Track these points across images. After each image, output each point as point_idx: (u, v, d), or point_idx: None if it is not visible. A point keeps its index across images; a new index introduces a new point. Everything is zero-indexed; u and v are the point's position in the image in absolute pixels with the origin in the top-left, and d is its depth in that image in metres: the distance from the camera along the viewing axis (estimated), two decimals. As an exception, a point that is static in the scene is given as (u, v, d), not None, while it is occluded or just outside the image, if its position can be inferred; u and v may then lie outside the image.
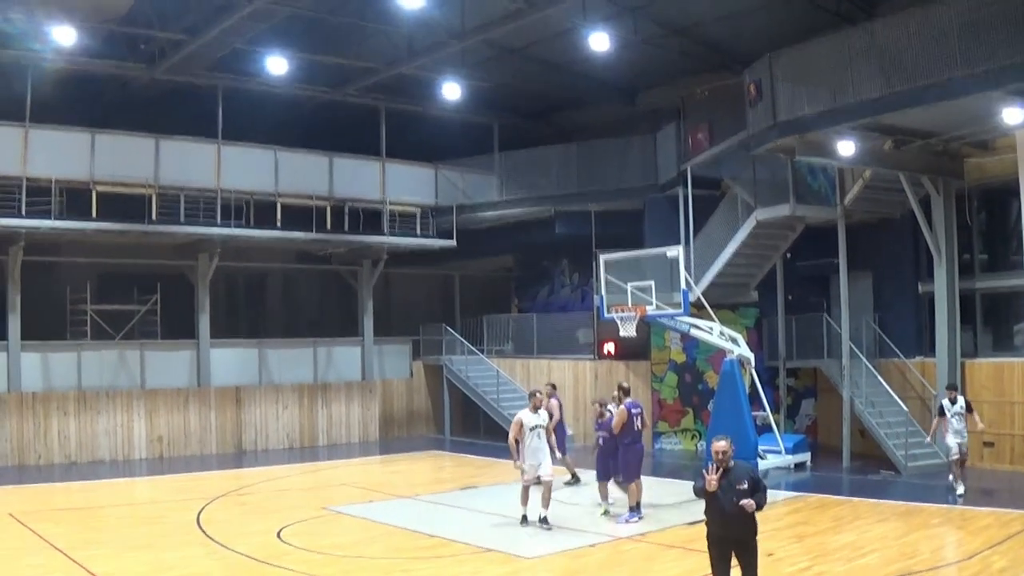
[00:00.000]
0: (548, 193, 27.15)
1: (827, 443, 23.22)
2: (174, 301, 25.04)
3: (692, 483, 9.46)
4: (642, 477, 15.54)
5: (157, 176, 23.09)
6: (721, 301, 22.95)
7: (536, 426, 14.77)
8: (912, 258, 22.23)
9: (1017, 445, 19.50)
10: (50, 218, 21.48)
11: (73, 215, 21.93)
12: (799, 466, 20.66)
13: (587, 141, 27.58)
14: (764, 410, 20.89)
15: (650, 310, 20.31)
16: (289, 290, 31.12)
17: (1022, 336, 20.57)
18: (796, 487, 18.48)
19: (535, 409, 14.99)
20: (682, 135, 23.96)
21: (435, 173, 28.21)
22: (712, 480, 9.05)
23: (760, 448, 19.90)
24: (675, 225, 23.29)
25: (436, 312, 31.69)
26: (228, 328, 27.08)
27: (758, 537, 9.29)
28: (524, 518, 14.74)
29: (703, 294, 21.85)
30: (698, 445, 23.77)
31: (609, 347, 25.60)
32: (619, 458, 15.42)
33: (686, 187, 23.00)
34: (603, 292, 21.29)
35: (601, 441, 15.74)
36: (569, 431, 23.78)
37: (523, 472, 14.73)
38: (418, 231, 27.51)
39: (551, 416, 15.63)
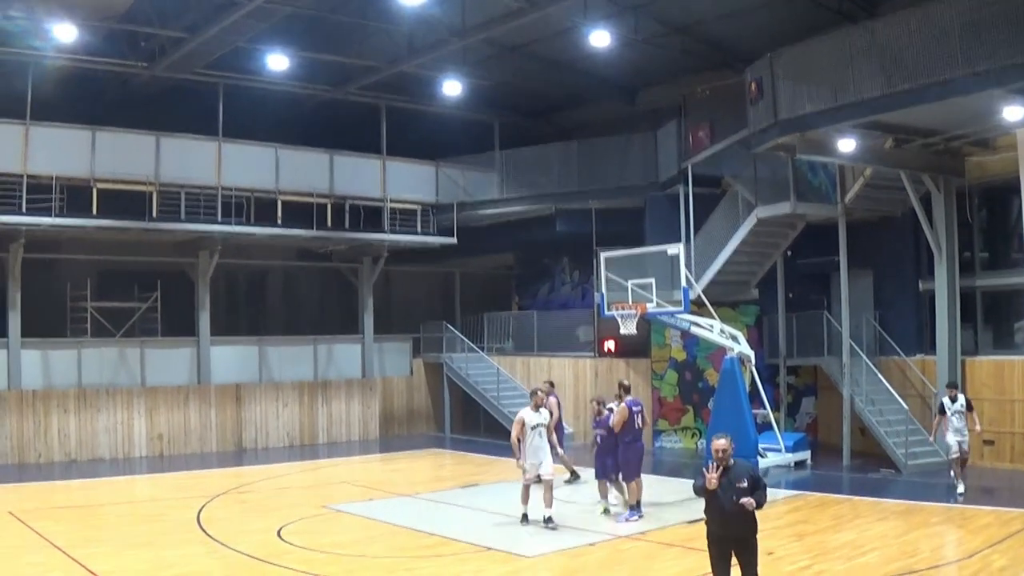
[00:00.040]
0: (549, 191, 27.15)
1: (827, 441, 23.22)
2: (174, 298, 25.05)
3: (692, 481, 9.45)
4: (642, 475, 15.53)
5: (158, 173, 23.08)
6: (722, 299, 22.96)
7: (537, 425, 14.75)
8: (913, 256, 22.22)
9: (1017, 443, 19.49)
10: (51, 215, 21.47)
11: (74, 212, 21.92)
12: (799, 464, 20.67)
13: (588, 139, 27.60)
14: (764, 408, 20.89)
15: (651, 308, 20.31)
16: (289, 288, 31.12)
17: (1022, 334, 20.56)
18: (796, 485, 18.49)
19: (536, 408, 14.97)
20: (683, 133, 23.93)
21: (436, 171, 28.20)
22: (712, 478, 9.05)
23: (760, 446, 19.89)
24: (676, 223, 23.27)
25: (436, 310, 31.71)
26: (228, 326, 27.10)
27: (758, 535, 9.29)
28: (524, 517, 14.74)
29: (704, 292, 21.84)
30: (698, 443, 23.77)
31: (609, 345, 25.60)
32: (619, 456, 15.40)
33: (687, 185, 22.98)
34: (604, 290, 21.29)
35: (599, 439, 15.72)
36: (569, 429, 23.84)
37: (524, 471, 14.72)
38: (419, 228, 27.51)
39: (551, 414, 15.62)
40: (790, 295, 23.92)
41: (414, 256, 29.24)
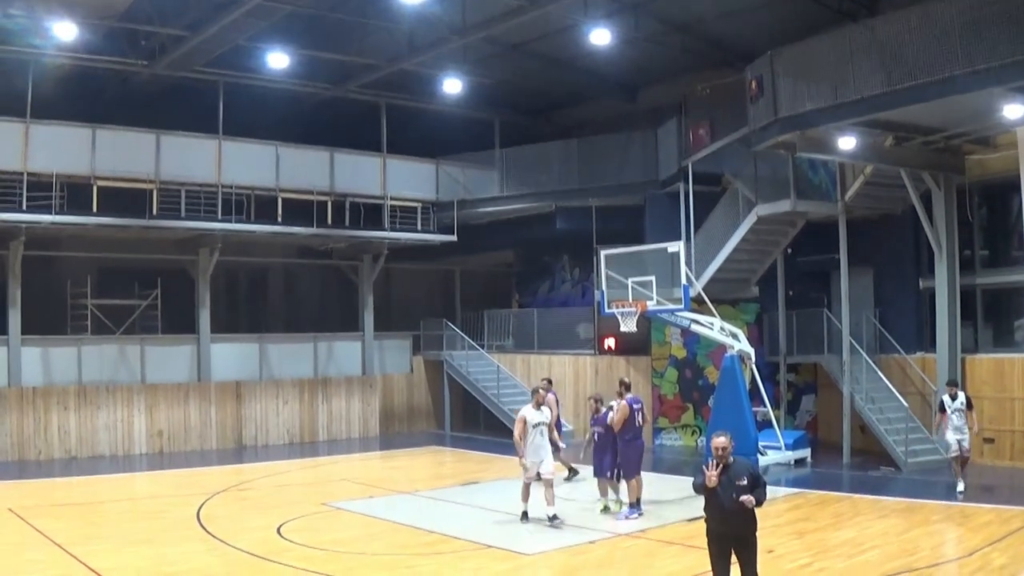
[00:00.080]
0: (549, 189, 27.16)
1: (827, 439, 23.22)
2: (175, 296, 25.08)
3: (692, 479, 9.45)
4: (642, 473, 15.53)
5: (158, 171, 23.09)
6: (722, 296, 22.95)
7: (539, 423, 14.76)
8: (913, 254, 22.23)
9: (1017, 441, 19.49)
10: (51, 213, 21.49)
11: (74, 210, 21.94)
12: (799, 462, 20.68)
13: (588, 137, 27.63)
14: (764, 406, 20.89)
15: (651, 305, 20.30)
16: (290, 285, 31.16)
17: (1023, 332, 20.56)
18: (796, 483, 18.51)
19: (538, 406, 14.97)
20: (683, 131, 23.93)
21: (436, 168, 28.21)
22: (712, 476, 9.05)
23: (760, 444, 19.89)
24: (676, 221, 23.27)
25: (437, 307, 31.73)
26: (228, 323, 27.14)
27: (758, 533, 9.29)
28: (525, 514, 14.75)
29: (704, 289, 21.84)
30: (698, 441, 23.76)
31: (609, 342, 25.59)
32: (620, 454, 15.40)
33: (687, 183, 22.98)
34: (604, 287, 21.27)
35: (596, 437, 15.71)
36: (569, 426, 23.85)
37: (525, 469, 14.72)
38: (419, 226, 27.52)
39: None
40: (790, 293, 23.91)
41: (414, 254, 29.26)
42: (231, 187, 24.00)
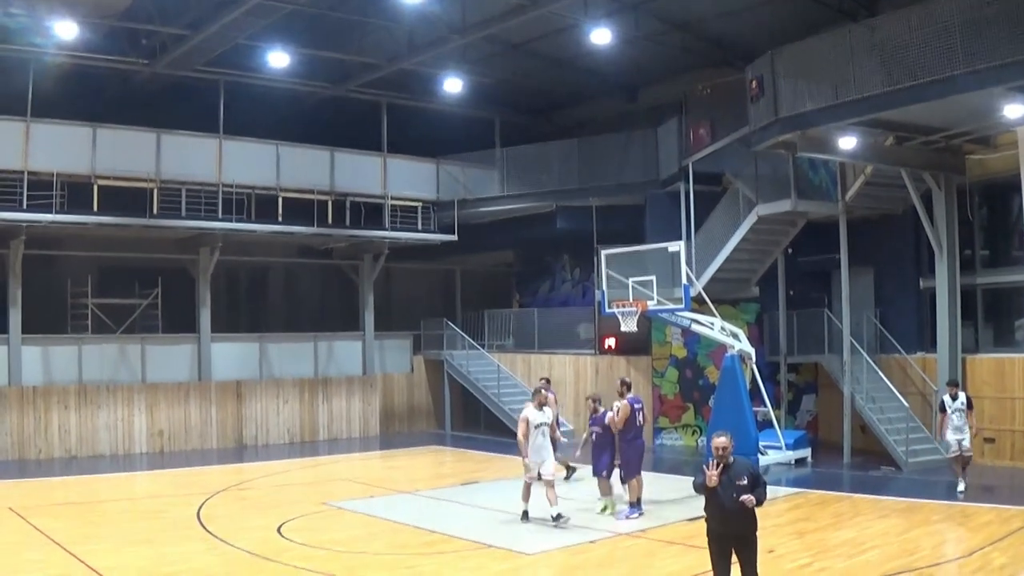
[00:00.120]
0: (549, 188, 27.16)
1: (828, 439, 23.21)
2: (175, 295, 25.08)
3: (692, 479, 9.45)
4: (642, 473, 15.52)
5: (158, 170, 23.11)
6: (722, 296, 22.95)
7: (541, 424, 14.75)
8: (913, 254, 22.23)
9: (1018, 441, 19.48)
10: (51, 212, 21.49)
11: (74, 209, 21.95)
12: (799, 462, 20.67)
13: (588, 136, 27.64)
14: (765, 406, 20.88)
15: (651, 305, 20.28)
16: (290, 284, 31.16)
17: (1023, 332, 20.56)
18: (796, 483, 18.50)
19: (540, 406, 14.96)
20: (683, 131, 23.94)
21: (436, 168, 28.20)
22: (712, 476, 9.05)
23: (761, 444, 19.89)
24: (676, 220, 23.27)
25: (437, 307, 31.72)
26: (229, 322, 27.14)
27: (758, 533, 9.29)
28: (525, 514, 14.74)
29: (704, 289, 21.82)
30: (698, 441, 23.76)
31: (610, 342, 25.58)
32: (621, 454, 15.38)
33: (687, 183, 23.00)
34: (604, 287, 21.26)
35: (594, 436, 15.69)
36: (568, 425, 23.84)
37: (527, 468, 14.71)
38: (419, 226, 27.52)
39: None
40: (791, 293, 23.91)
41: (415, 253, 29.26)
42: (231, 186, 24.00)
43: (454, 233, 27.46)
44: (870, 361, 21.33)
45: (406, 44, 23.70)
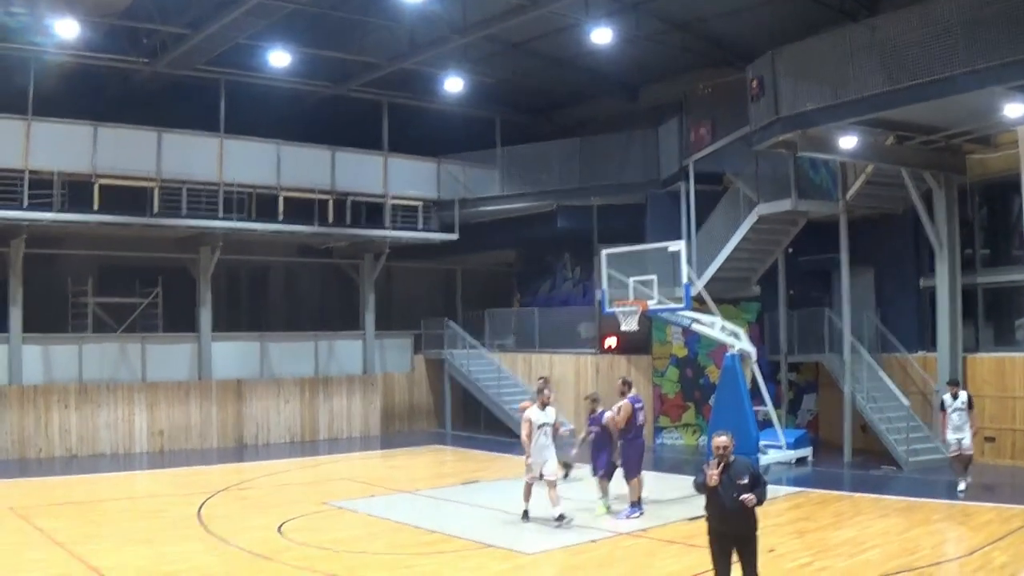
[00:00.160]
0: (550, 187, 27.15)
1: (828, 438, 23.19)
2: (176, 294, 25.10)
3: (693, 478, 9.46)
4: (643, 472, 15.53)
5: (159, 169, 23.10)
6: (723, 296, 22.95)
7: (544, 424, 14.74)
8: (914, 253, 22.22)
9: (1018, 440, 19.48)
10: (52, 211, 21.50)
11: (75, 208, 21.95)
12: (800, 461, 20.67)
13: (589, 136, 27.63)
14: (765, 405, 20.88)
15: (652, 304, 20.30)
16: (291, 284, 31.16)
17: (1023, 331, 20.56)
18: (797, 482, 18.50)
19: (543, 406, 14.96)
20: (684, 130, 23.95)
21: (437, 167, 28.20)
22: (713, 475, 9.05)
23: (761, 443, 19.89)
24: (677, 220, 23.27)
25: (437, 306, 31.71)
26: (229, 321, 27.13)
27: (759, 532, 9.30)
28: (525, 514, 14.73)
29: (705, 289, 21.84)
30: (699, 440, 23.76)
31: (611, 341, 25.58)
32: (621, 453, 15.39)
33: (688, 182, 23.00)
34: (605, 286, 21.27)
35: (592, 436, 15.68)
36: (570, 425, 23.80)
37: (529, 469, 14.70)
38: (420, 225, 27.52)
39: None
40: (791, 292, 23.90)
41: (415, 252, 29.26)
42: (232, 185, 24.00)
43: (455, 232, 27.46)
44: (871, 360, 21.33)
45: (407, 43, 23.71)
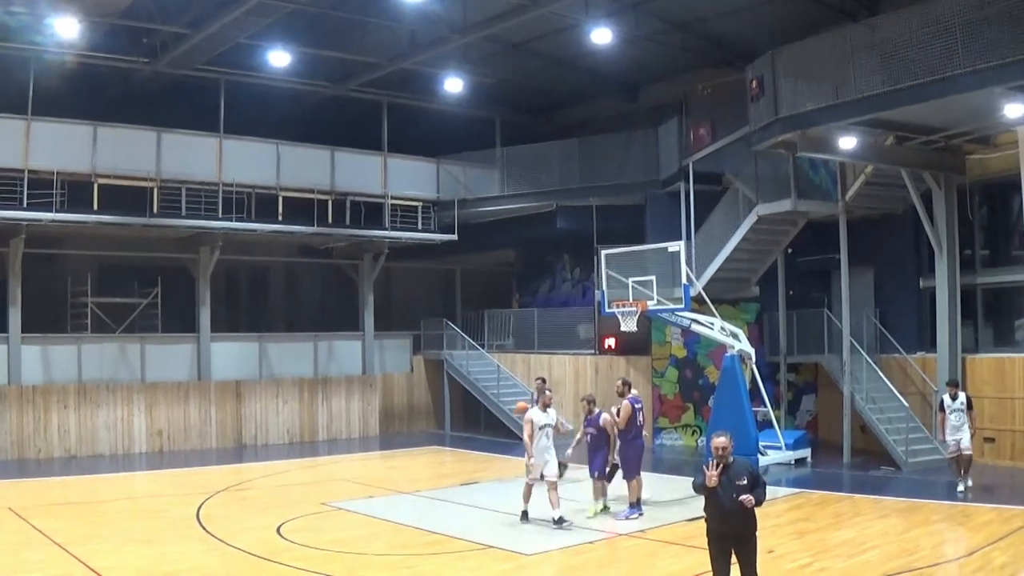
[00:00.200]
0: (550, 188, 27.15)
1: (827, 439, 23.20)
2: (175, 294, 25.08)
3: (692, 479, 9.45)
4: (642, 473, 15.51)
5: (159, 169, 23.11)
6: (722, 296, 22.94)
7: (545, 425, 14.73)
8: (913, 253, 22.22)
9: (1018, 441, 19.47)
10: (51, 211, 21.47)
11: (75, 208, 21.95)
12: (799, 462, 20.66)
13: (589, 136, 27.64)
14: (765, 406, 20.87)
15: (651, 305, 20.28)
16: (290, 284, 31.16)
17: (1023, 331, 20.55)
18: (796, 483, 18.49)
19: (544, 407, 14.94)
20: (684, 130, 23.96)
21: (437, 167, 28.20)
22: (712, 476, 9.04)
23: (760, 444, 19.88)
24: (676, 220, 23.27)
25: (437, 306, 31.72)
26: (229, 322, 27.14)
27: (758, 533, 9.29)
28: (524, 514, 14.71)
29: (704, 289, 21.82)
30: (698, 441, 23.76)
31: (610, 342, 25.59)
32: (621, 454, 15.37)
33: (687, 182, 23.00)
34: (604, 287, 21.26)
35: (588, 438, 15.65)
36: (570, 426, 23.78)
37: (530, 470, 14.68)
38: (419, 225, 27.51)
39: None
40: (791, 292, 23.90)
41: (415, 253, 29.25)
42: (232, 185, 23.99)
43: (454, 233, 27.45)
44: (870, 361, 21.33)
45: (407, 43, 23.71)
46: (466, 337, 28.68)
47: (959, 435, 16.75)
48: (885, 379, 20.97)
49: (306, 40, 23.16)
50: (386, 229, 26.74)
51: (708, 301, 21.38)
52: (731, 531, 9.15)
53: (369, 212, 26.53)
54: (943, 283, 20.09)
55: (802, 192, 21.40)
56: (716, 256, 22.74)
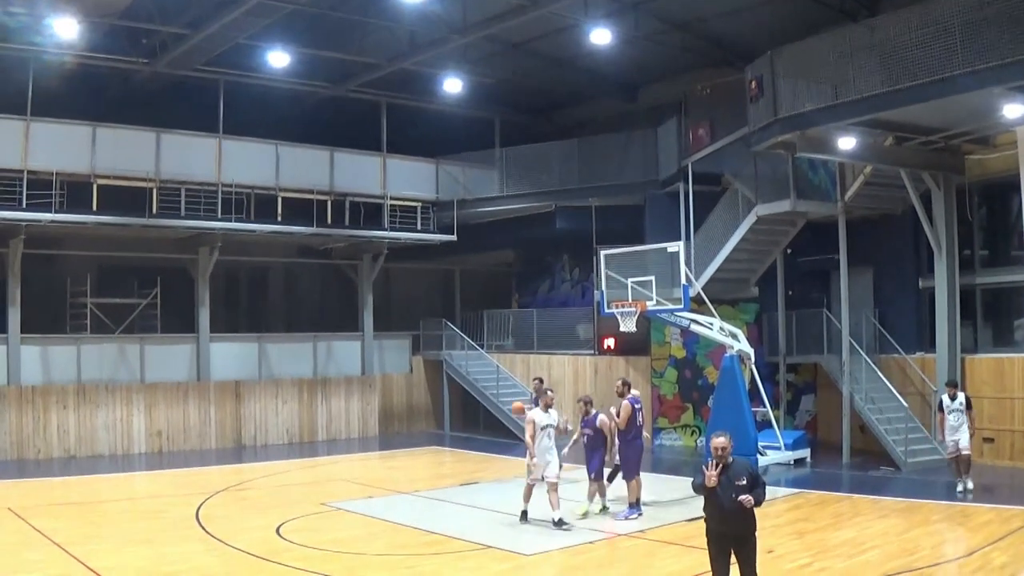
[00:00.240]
0: (549, 188, 27.14)
1: (827, 439, 23.21)
2: (174, 295, 25.09)
3: (691, 479, 9.45)
4: (641, 473, 15.51)
5: (158, 170, 23.10)
6: (721, 296, 22.95)
7: (547, 426, 14.72)
8: (913, 253, 22.23)
9: (1017, 441, 19.48)
10: (51, 211, 21.47)
11: (74, 208, 21.94)
12: (799, 462, 20.67)
13: (588, 136, 27.65)
14: (764, 406, 20.88)
15: (650, 305, 20.27)
16: (289, 284, 31.15)
17: (1022, 332, 20.56)
18: (796, 483, 18.49)
19: (546, 408, 14.94)
20: (683, 131, 23.95)
21: (436, 168, 28.20)
22: (711, 476, 9.04)
23: (760, 444, 19.88)
24: (676, 220, 23.28)
25: (436, 307, 31.72)
26: (228, 322, 27.14)
27: (757, 533, 9.29)
28: (524, 514, 14.71)
29: (703, 289, 21.83)
30: (697, 441, 23.76)
31: (609, 342, 25.58)
32: (620, 454, 15.37)
33: (687, 183, 22.99)
34: (603, 287, 21.25)
35: (585, 439, 15.64)
36: (570, 425, 23.79)
37: (531, 470, 14.67)
38: (419, 226, 27.51)
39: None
40: (790, 293, 23.91)
41: (414, 253, 29.24)
42: (231, 186, 23.99)
43: (453, 233, 27.44)
44: (869, 361, 21.33)
45: (406, 44, 23.71)
46: (465, 337, 28.68)
47: (958, 435, 16.76)
48: (884, 379, 20.97)
49: (305, 40, 23.16)
50: (385, 229, 26.73)
51: (707, 301, 21.38)
52: (730, 531, 9.15)
53: (368, 212, 26.53)
54: (942, 283, 20.10)
55: (801, 192, 21.41)
56: (715, 256, 22.75)
